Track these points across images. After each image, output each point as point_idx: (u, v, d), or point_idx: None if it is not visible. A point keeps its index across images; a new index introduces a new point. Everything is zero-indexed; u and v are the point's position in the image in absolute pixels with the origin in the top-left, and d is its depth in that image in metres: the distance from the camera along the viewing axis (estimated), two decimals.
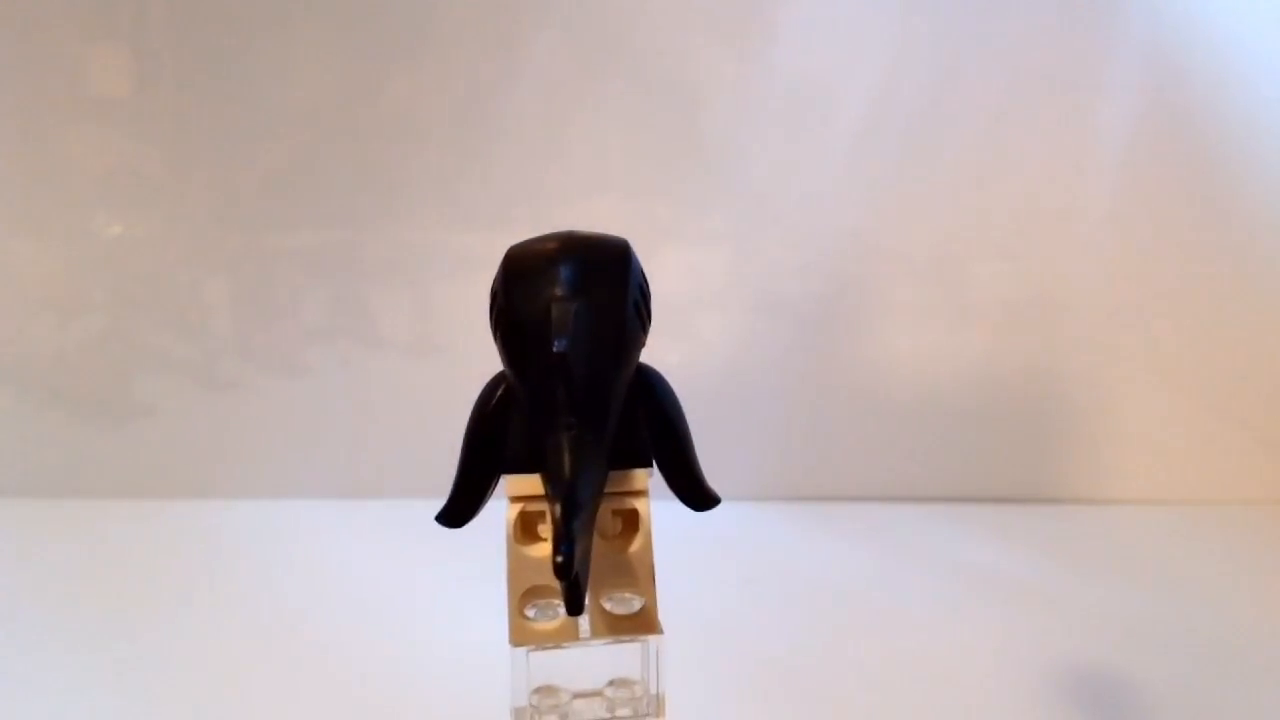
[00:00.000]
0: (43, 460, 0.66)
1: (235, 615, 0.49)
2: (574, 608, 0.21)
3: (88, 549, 0.58)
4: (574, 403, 0.22)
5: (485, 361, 0.25)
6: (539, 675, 0.25)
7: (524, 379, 0.23)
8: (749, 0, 0.61)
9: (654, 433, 0.25)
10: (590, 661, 0.25)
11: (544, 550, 0.24)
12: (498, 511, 0.25)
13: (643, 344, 0.24)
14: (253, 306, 0.65)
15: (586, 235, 0.24)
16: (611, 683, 0.26)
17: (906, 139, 0.62)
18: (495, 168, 0.62)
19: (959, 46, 0.61)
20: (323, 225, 0.64)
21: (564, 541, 0.20)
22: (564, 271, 0.23)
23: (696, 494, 0.25)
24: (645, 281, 0.25)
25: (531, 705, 0.25)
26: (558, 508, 0.21)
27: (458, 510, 0.25)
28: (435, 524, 0.25)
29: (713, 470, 0.25)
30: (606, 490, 0.24)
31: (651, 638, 0.25)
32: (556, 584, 0.21)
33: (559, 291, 0.23)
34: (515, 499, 0.25)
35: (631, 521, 0.25)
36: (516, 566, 0.24)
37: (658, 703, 0.25)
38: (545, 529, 0.25)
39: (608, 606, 0.25)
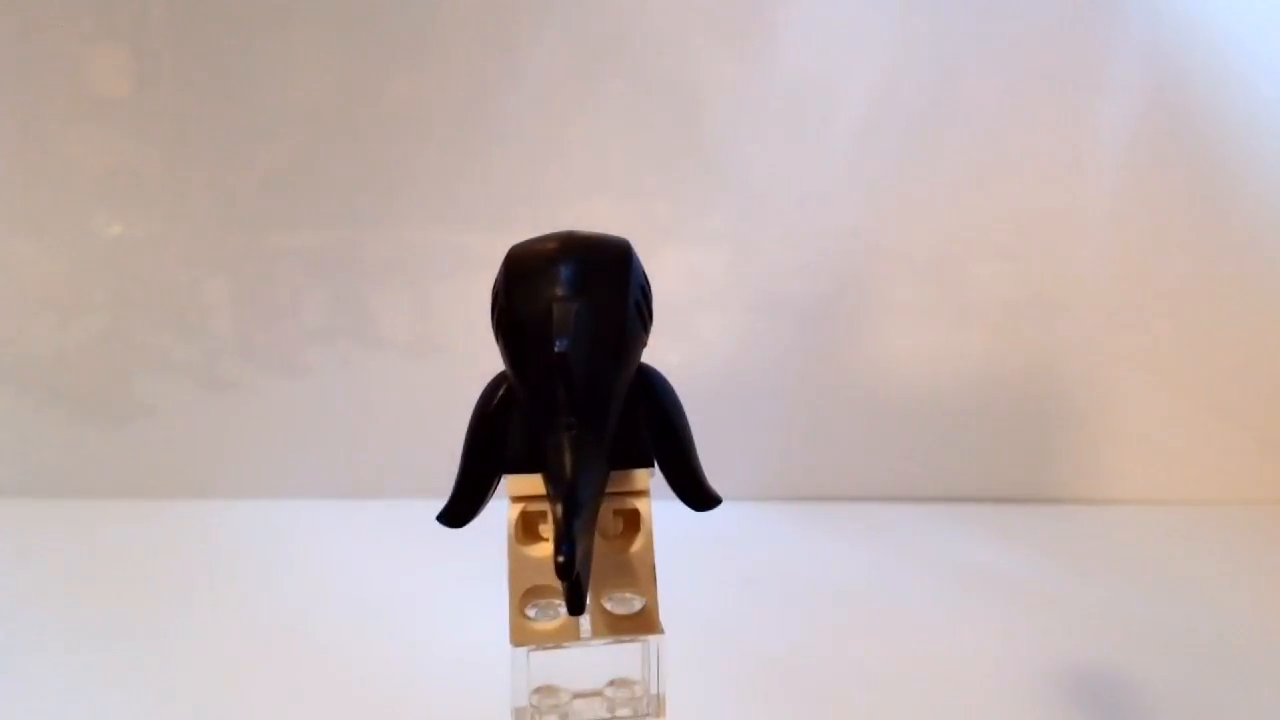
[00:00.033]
0: (43, 460, 0.66)
1: (235, 615, 0.49)
2: (575, 607, 0.21)
3: (88, 549, 0.58)
4: (574, 403, 0.22)
5: (485, 361, 0.25)
6: (539, 675, 0.25)
7: (525, 379, 0.23)
8: (749, 0, 0.61)
9: (655, 433, 0.25)
10: (590, 661, 0.25)
11: (545, 550, 0.24)
12: (498, 511, 0.25)
13: (644, 344, 0.24)
14: (253, 306, 0.65)
15: (587, 235, 0.24)
16: (612, 683, 0.25)
17: (906, 139, 0.62)
18: (495, 168, 0.62)
19: (959, 46, 0.61)
20: (323, 225, 0.64)
21: (565, 541, 0.20)
22: (565, 271, 0.23)
23: (697, 494, 0.25)
24: (646, 281, 0.25)
25: (532, 705, 0.25)
26: (559, 508, 0.21)
27: (459, 510, 0.25)
28: (436, 524, 0.25)
29: (713, 470, 0.25)
30: (607, 490, 0.24)
31: (652, 638, 0.25)
32: (557, 584, 0.21)
33: (560, 291, 0.23)
34: (516, 499, 0.25)
35: (632, 521, 0.25)
36: (517, 566, 0.24)
37: (658, 703, 0.25)
38: (546, 529, 0.25)
39: (608, 606, 0.25)
